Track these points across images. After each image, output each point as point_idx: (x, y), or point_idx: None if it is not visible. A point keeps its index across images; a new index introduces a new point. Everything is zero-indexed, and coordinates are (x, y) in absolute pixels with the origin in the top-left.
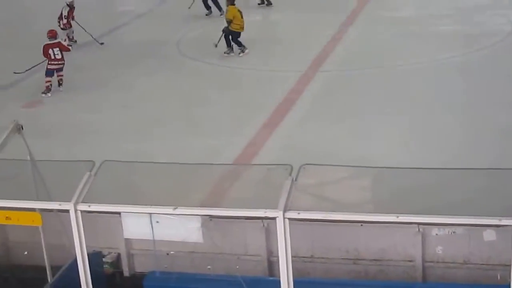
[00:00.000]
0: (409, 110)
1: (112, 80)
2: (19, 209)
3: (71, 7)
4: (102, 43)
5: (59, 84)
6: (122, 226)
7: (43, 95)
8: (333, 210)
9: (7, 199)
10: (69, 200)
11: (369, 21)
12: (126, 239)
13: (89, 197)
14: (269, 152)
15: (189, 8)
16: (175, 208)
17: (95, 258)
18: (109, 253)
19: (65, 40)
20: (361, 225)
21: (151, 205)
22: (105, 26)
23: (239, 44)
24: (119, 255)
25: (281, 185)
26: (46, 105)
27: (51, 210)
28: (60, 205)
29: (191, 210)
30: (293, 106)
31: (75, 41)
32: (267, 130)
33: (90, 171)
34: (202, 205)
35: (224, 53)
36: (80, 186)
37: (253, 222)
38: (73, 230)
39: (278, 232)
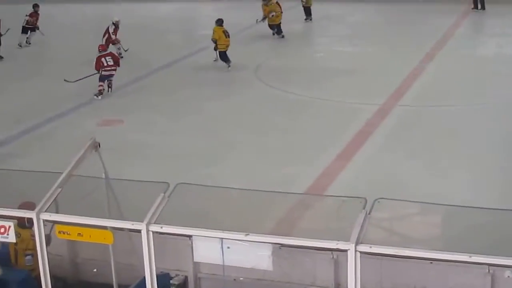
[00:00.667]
0: (486, 150)
1: (188, 103)
2: (91, 226)
3: (116, 25)
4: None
5: (109, 88)
6: (192, 249)
7: (95, 97)
8: (404, 246)
9: (80, 216)
10: (141, 220)
11: (448, 58)
12: (195, 263)
13: (161, 218)
14: (342, 184)
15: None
16: (246, 235)
17: (162, 280)
18: (177, 275)
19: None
20: (431, 262)
21: (223, 230)
22: (185, 49)
23: (226, 60)
24: (186, 278)
25: (354, 217)
26: (122, 124)
27: (122, 229)
28: (132, 224)
29: (263, 237)
30: (368, 139)
31: (122, 57)
32: (340, 162)
33: (164, 192)
34: (272, 233)
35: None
36: (154, 207)
37: (323, 253)
38: (143, 250)
39: (348, 265)
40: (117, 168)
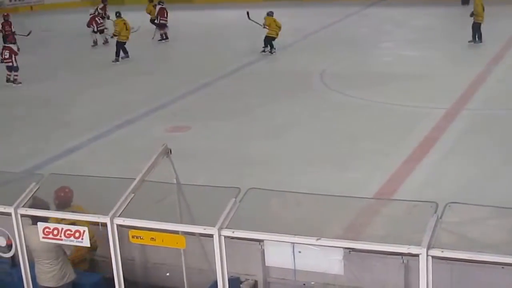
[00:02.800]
0: None
1: (254, 109)
2: (164, 230)
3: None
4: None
5: None
6: (263, 254)
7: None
8: (475, 250)
9: (153, 221)
10: (213, 225)
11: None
12: (265, 267)
13: (233, 223)
14: (410, 189)
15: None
16: (318, 239)
17: (233, 284)
18: (246, 279)
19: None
20: (503, 267)
21: (294, 234)
22: (248, 55)
23: (271, 46)
24: (256, 282)
25: (424, 222)
26: (191, 130)
27: (193, 234)
28: (204, 229)
29: (334, 242)
30: (436, 143)
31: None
32: (408, 166)
33: (236, 197)
34: (342, 237)
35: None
36: (225, 212)
37: (393, 258)
38: (215, 255)
39: (420, 270)
40: (187, 173)
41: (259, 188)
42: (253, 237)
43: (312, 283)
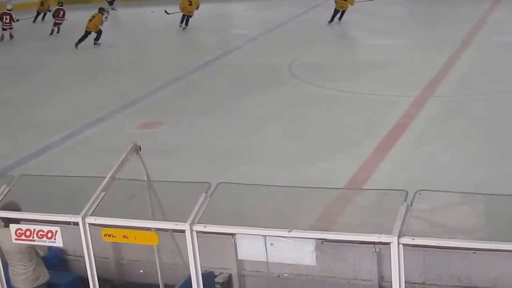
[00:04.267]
0: None
1: (225, 102)
2: (135, 228)
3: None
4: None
5: None
6: (236, 248)
7: None
8: (447, 237)
9: (125, 218)
10: (184, 221)
11: (483, 46)
12: (238, 260)
13: (204, 218)
14: (381, 177)
15: None
16: (289, 231)
17: (207, 278)
18: (221, 273)
19: None
20: (474, 252)
21: (266, 227)
22: (219, 49)
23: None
24: (230, 275)
25: (395, 210)
26: (161, 126)
27: (166, 230)
28: (176, 225)
29: (306, 233)
30: (405, 131)
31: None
32: (379, 155)
33: (206, 192)
34: (314, 228)
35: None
36: (196, 207)
37: (366, 247)
38: (188, 250)
39: (392, 258)
40: (158, 170)
41: (230, 182)
42: (224, 231)
43: (286, 274)
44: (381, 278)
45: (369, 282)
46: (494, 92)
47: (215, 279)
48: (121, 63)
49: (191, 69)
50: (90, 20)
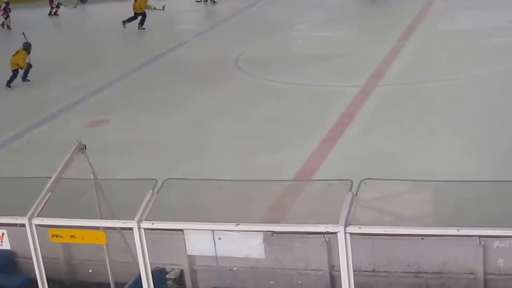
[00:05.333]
0: (468, 123)
1: (172, 98)
2: (83, 227)
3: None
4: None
5: None
6: (185, 243)
7: None
8: (394, 224)
9: (71, 218)
10: (132, 218)
11: (426, 35)
12: (189, 256)
13: (152, 215)
14: (329, 167)
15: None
16: (237, 225)
17: (158, 275)
18: (172, 269)
19: None
20: (422, 238)
21: (214, 222)
22: (165, 45)
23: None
24: (182, 271)
25: (342, 200)
26: (108, 124)
27: (114, 228)
28: (124, 223)
29: (253, 226)
30: (352, 121)
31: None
32: (326, 145)
33: (153, 189)
34: (264, 221)
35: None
36: (143, 204)
37: (315, 237)
38: (136, 247)
39: (339, 247)
40: (107, 168)
41: (176, 178)
42: (172, 227)
43: (235, 268)
44: (331, 267)
45: (320, 272)
46: (437, 80)
47: (167, 276)
48: (68, 61)
49: (138, 66)
50: (13, 55)
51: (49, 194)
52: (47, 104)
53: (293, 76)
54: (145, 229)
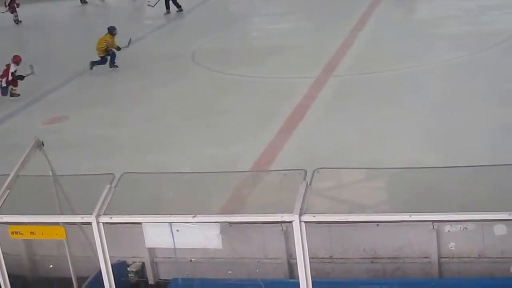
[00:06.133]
0: (421, 111)
1: (130, 93)
2: (43, 223)
3: None
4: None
5: None
6: (144, 236)
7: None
8: (349, 212)
9: (31, 215)
10: (91, 213)
11: (379, 24)
12: (150, 248)
13: (111, 209)
14: (286, 158)
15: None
16: (194, 216)
17: (120, 268)
18: (134, 262)
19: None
20: (377, 225)
21: (171, 214)
22: (121, 41)
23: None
24: (143, 264)
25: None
26: (69, 120)
27: (74, 223)
28: (82, 218)
29: (210, 217)
30: (307, 112)
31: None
32: (283, 136)
33: (111, 183)
34: (222, 212)
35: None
36: (101, 199)
37: (272, 227)
38: (96, 242)
39: (295, 235)
40: (66, 164)
41: (134, 172)
42: (130, 220)
43: (193, 259)
44: (289, 255)
45: (278, 260)
46: (389, 69)
47: (128, 268)
48: (26, 58)
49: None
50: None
51: (8, 191)
52: (5, 102)
53: (249, 68)
54: (103, 223)
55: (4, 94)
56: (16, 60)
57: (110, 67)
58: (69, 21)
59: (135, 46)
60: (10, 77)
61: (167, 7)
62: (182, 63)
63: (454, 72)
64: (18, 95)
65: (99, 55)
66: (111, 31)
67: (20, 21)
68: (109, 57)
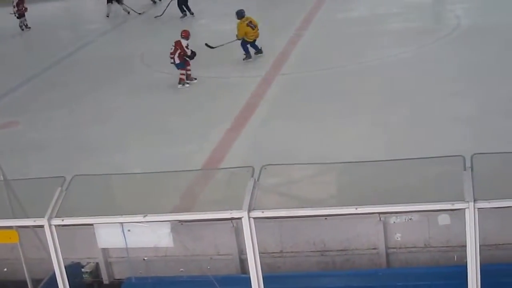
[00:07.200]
0: (365, 106)
1: (81, 96)
2: None
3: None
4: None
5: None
6: (96, 237)
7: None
8: (297, 207)
9: None
10: (43, 216)
11: (323, 23)
12: (103, 249)
13: (63, 211)
14: (236, 155)
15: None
16: (144, 216)
17: (74, 269)
18: (88, 263)
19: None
20: (325, 218)
21: (122, 214)
22: (72, 44)
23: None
24: (97, 264)
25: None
26: (18, 125)
27: (27, 227)
28: (34, 221)
29: (160, 216)
30: (255, 110)
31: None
32: (232, 134)
33: (62, 186)
34: (174, 211)
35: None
36: (53, 202)
37: (223, 223)
38: (48, 244)
39: (244, 231)
40: (19, 168)
41: (85, 174)
42: (82, 222)
43: (146, 258)
44: (240, 251)
45: (230, 257)
46: (335, 67)
47: (83, 269)
48: None
49: (45, 67)
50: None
51: None
52: None
53: (197, 69)
54: (56, 225)
55: (181, 69)
56: (186, 34)
57: None
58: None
59: (83, 50)
60: (188, 52)
61: (182, 10)
62: (131, 65)
63: (399, 68)
64: (195, 79)
65: None
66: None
67: (29, 27)
68: None
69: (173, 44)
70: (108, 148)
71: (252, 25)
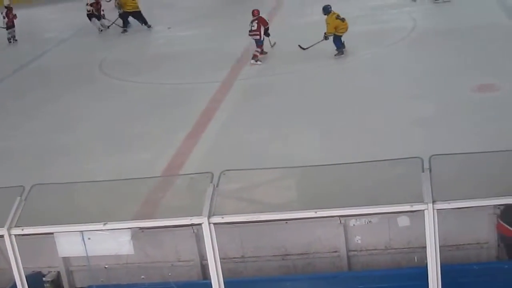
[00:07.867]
0: (323, 110)
1: (40, 104)
2: None
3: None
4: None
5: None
6: (56, 246)
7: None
8: (258, 211)
9: None
10: (2, 226)
11: (281, 28)
12: (64, 258)
13: (23, 221)
14: (195, 161)
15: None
16: (105, 224)
17: (35, 279)
18: (49, 272)
19: None
20: (286, 222)
21: (82, 223)
22: (29, 53)
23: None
24: (58, 273)
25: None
26: None
27: None
28: None
29: (120, 224)
30: (214, 115)
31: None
32: (192, 140)
33: (21, 195)
34: (135, 218)
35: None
36: (12, 211)
37: (183, 230)
38: (9, 254)
39: (204, 237)
40: None
41: (44, 183)
42: (42, 231)
43: (107, 266)
44: (201, 257)
45: (191, 263)
46: (296, 70)
47: (44, 278)
48: None
49: (3, 76)
50: None
51: None
52: None
53: (155, 76)
54: (15, 235)
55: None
56: (257, 11)
57: None
58: None
59: (42, 59)
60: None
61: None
62: (89, 73)
63: (362, 69)
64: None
65: None
66: None
67: (16, 40)
68: None
69: (253, 22)
70: (67, 156)
71: (340, 18)
